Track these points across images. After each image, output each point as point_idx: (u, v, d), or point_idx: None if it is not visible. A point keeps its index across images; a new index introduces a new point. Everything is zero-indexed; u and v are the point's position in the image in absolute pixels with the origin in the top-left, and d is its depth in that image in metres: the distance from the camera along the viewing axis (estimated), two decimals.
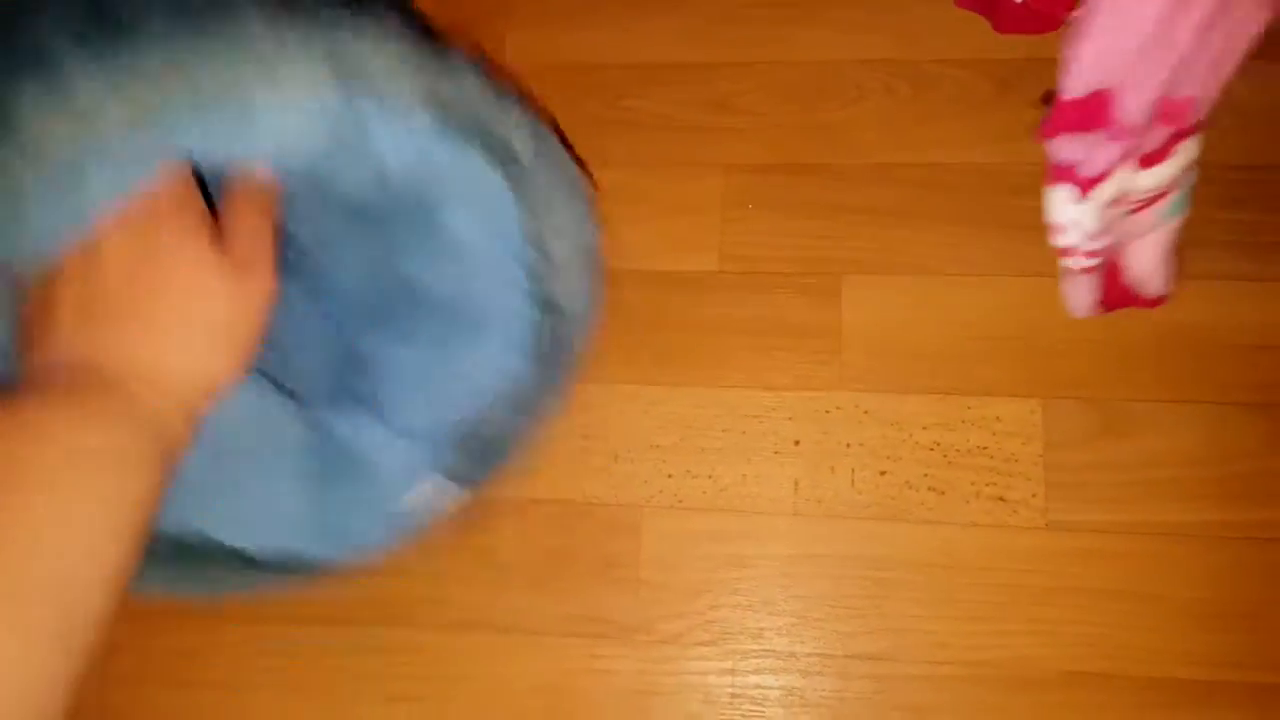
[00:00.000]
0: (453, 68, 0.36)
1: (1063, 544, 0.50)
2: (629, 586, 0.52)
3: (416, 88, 0.34)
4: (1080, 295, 0.50)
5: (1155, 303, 0.51)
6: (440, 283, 0.43)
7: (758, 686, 0.50)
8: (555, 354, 0.46)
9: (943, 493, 0.51)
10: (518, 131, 0.39)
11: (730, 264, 0.57)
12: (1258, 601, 0.48)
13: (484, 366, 0.44)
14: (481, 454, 0.47)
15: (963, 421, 0.52)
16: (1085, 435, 0.51)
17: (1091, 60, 0.33)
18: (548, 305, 0.44)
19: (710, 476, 0.54)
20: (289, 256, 0.42)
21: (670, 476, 0.54)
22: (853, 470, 0.52)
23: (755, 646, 0.51)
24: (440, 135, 0.36)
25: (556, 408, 0.49)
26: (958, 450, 0.52)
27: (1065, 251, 0.44)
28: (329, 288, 0.45)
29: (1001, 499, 0.51)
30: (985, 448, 0.51)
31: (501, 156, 0.39)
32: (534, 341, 0.45)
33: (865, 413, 0.53)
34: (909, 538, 0.51)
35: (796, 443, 0.53)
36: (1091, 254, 0.44)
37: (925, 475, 0.52)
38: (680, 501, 0.53)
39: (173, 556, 0.39)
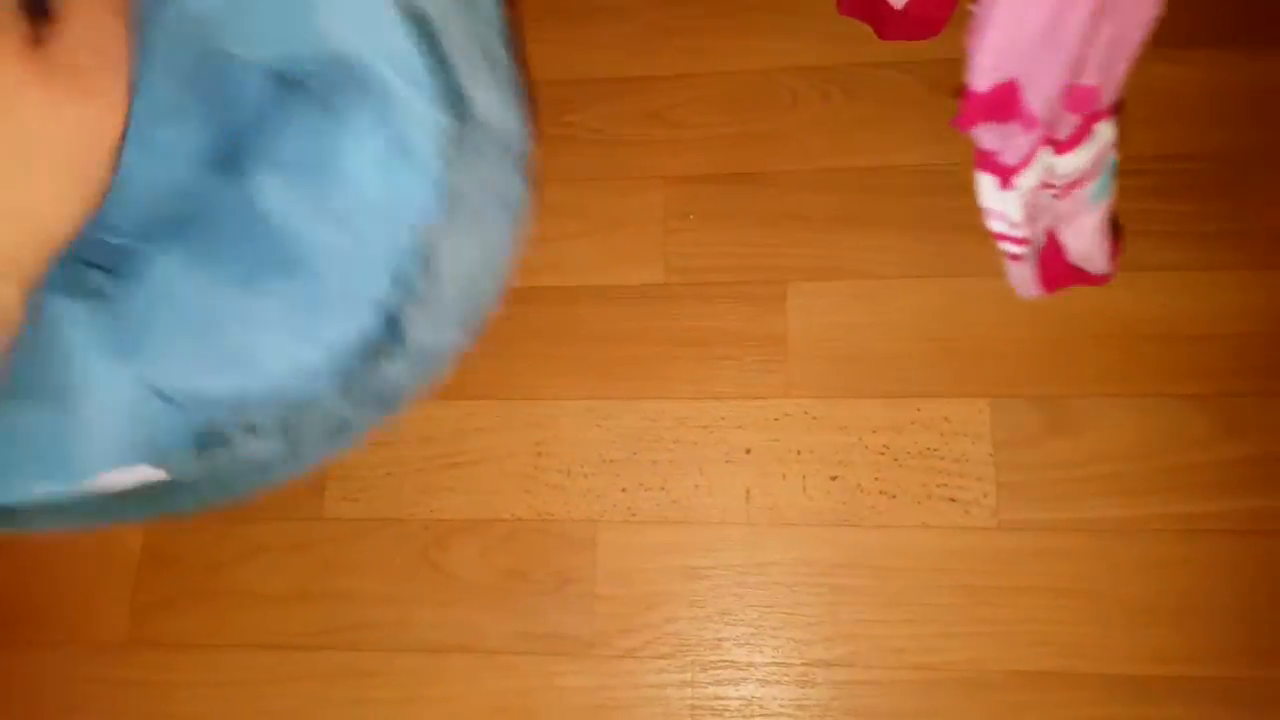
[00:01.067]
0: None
1: (1014, 543, 0.49)
2: (585, 602, 0.52)
3: None
4: (1023, 278, 0.50)
5: (1101, 280, 0.51)
6: (293, 222, 0.32)
7: (717, 698, 0.50)
8: (369, 391, 0.36)
9: (894, 496, 0.51)
10: (494, 104, 0.31)
11: (675, 275, 0.57)
12: (1205, 595, 0.47)
13: (283, 356, 0.33)
14: (214, 470, 0.36)
15: (912, 424, 0.52)
16: (1033, 433, 0.51)
17: (993, 54, 0.33)
18: (393, 332, 0.34)
19: (663, 488, 0.53)
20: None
21: (624, 490, 0.54)
22: (804, 476, 0.52)
23: (713, 657, 0.51)
24: (405, 40, 0.29)
25: (329, 456, 0.37)
26: (908, 452, 0.51)
27: (997, 237, 0.44)
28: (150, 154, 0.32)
29: (953, 500, 0.51)
30: (935, 449, 0.51)
31: (456, 121, 0.31)
32: (354, 368, 0.34)
33: (814, 419, 0.53)
34: (862, 542, 0.51)
35: (747, 451, 0.53)
36: (1020, 240, 0.44)
37: (876, 479, 0.51)
38: (634, 515, 0.53)
39: None
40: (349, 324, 0.32)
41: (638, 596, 0.52)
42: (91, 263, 0.32)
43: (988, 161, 0.40)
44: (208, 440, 0.34)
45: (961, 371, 0.52)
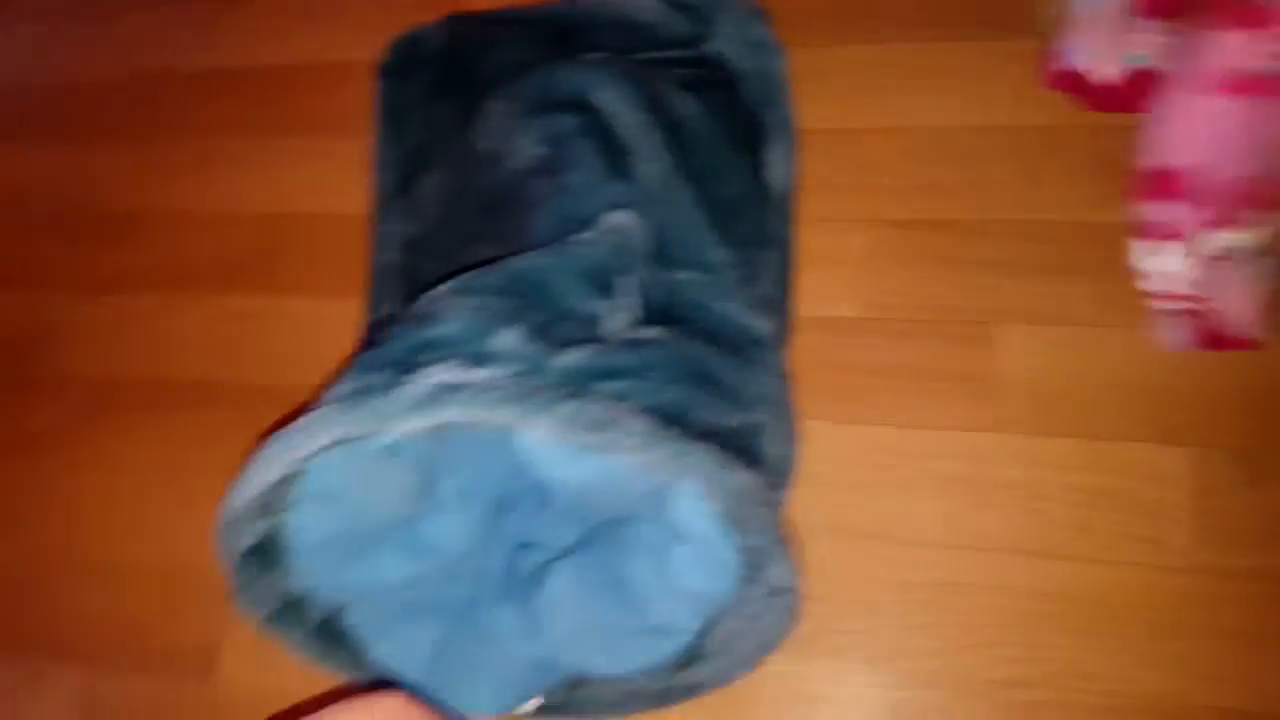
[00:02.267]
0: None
1: (1209, 587, 0.52)
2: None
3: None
4: (1170, 333, 0.54)
5: (1249, 345, 0.54)
6: (640, 581, 0.50)
7: (910, 703, 0.55)
8: (674, 687, 0.53)
9: (1090, 531, 0.55)
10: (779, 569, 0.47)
11: (875, 311, 0.62)
12: None
13: (625, 659, 0.52)
14: (572, 700, 0.55)
15: (1110, 466, 0.55)
16: (1232, 482, 0.54)
17: (1165, 142, 0.38)
18: (695, 654, 0.52)
19: (864, 507, 0.58)
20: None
21: (826, 504, 0.59)
22: (1002, 507, 0.56)
23: (909, 665, 0.55)
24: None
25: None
26: (1104, 493, 0.55)
27: (1151, 295, 0.49)
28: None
29: (1147, 540, 0.54)
30: (1132, 491, 0.55)
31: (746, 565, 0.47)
32: (666, 672, 0.52)
33: (1014, 454, 0.57)
34: (1056, 573, 0.55)
35: (947, 479, 0.57)
36: (1177, 297, 0.49)
37: (1072, 515, 0.55)
38: (839, 527, 0.58)
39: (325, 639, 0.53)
40: (666, 647, 0.52)
41: (842, 601, 0.57)
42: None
43: (1153, 229, 0.45)
44: (574, 685, 0.55)
45: (1162, 420, 0.55)
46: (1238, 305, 0.51)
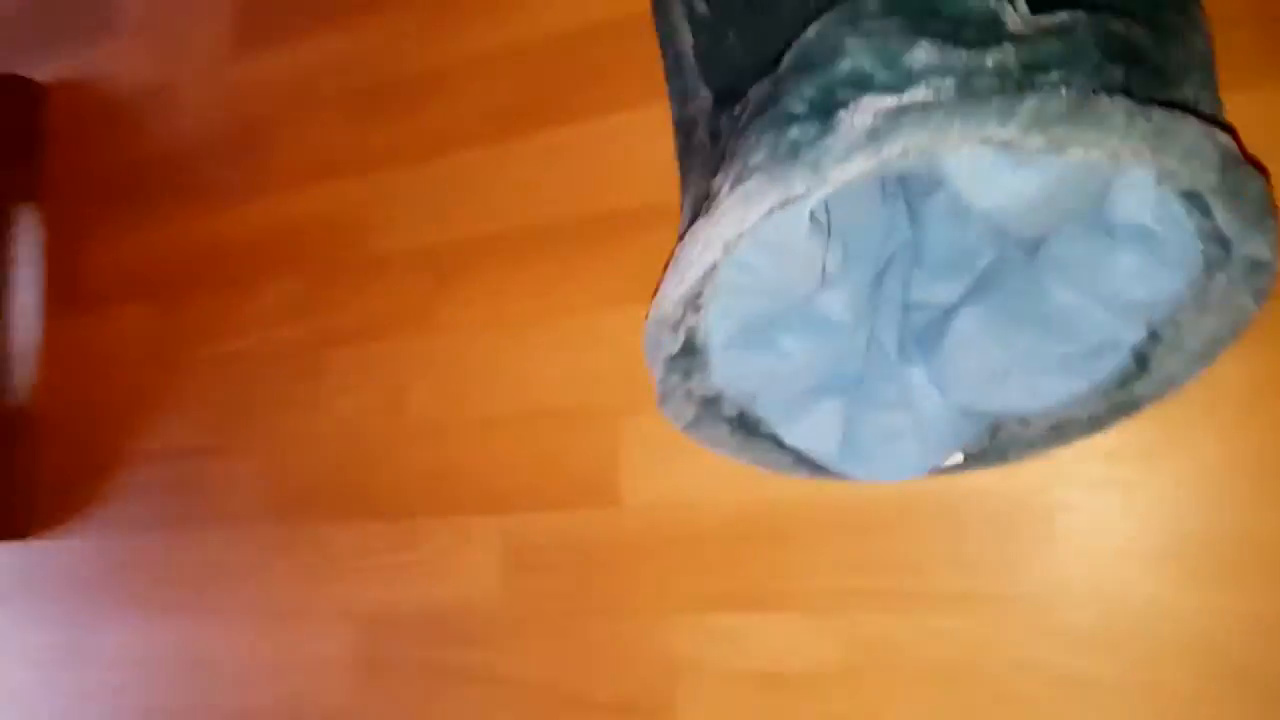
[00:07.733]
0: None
1: None
2: None
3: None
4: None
5: None
6: (1067, 301, 0.45)
7: None
8: (1118, 404, 0.48)
9: None
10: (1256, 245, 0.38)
11: None
12: None
13: (1056, 388, 0.47)
14: (997, 445, 0.51)
15: None
16: None
17: None
18: (1142, 366, 0.45)
19: None
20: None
21: None
22: None
23: None
24: (1175, 206, 0.39)
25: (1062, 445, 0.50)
26: None
27: None
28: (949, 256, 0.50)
29: None
30: None
31: (1217, 249, 0.39)
32: (1112, 390, 0.46)
33: None
34: None
35: None
36: None
37: None
38: None
39: (741, 432, 0.52)
40: (1108, 364, 0.46)
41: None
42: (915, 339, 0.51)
43: None
44: (994, 429, 0.51)
45: None
46: None
